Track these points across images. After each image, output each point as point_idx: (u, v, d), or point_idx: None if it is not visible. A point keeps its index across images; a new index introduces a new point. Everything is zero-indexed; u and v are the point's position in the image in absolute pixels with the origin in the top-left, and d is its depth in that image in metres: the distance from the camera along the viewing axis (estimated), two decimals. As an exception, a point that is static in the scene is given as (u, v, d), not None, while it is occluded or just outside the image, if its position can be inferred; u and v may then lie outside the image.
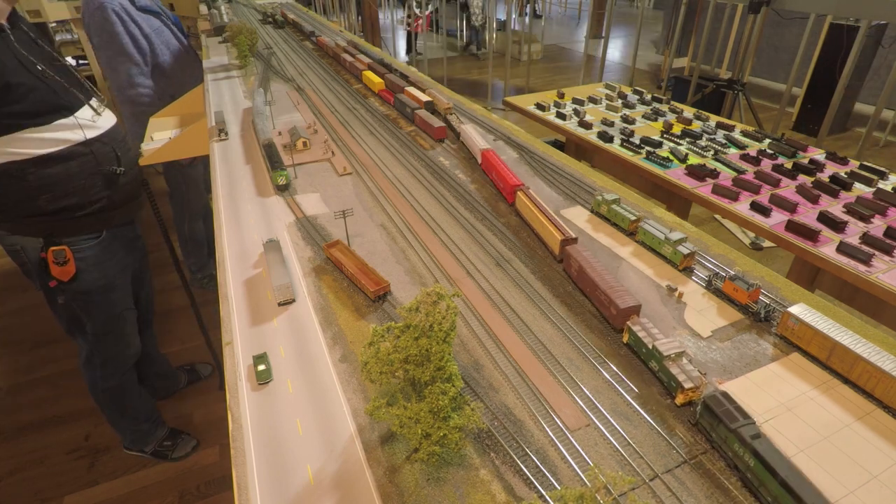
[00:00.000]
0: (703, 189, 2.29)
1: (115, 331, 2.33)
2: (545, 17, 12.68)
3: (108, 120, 2.12)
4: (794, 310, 1.01)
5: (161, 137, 2.48)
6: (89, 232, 2.10)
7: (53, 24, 5.53)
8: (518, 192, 1.49)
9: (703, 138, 2.78)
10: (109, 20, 2.78)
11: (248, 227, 1.47)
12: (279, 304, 1.16)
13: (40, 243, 1.99)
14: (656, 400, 0.91)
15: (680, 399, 0.89)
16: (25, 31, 1.90)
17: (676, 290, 1.18)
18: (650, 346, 0.94)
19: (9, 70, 1.73)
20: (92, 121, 2.02)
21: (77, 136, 1.95)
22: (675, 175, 2.42)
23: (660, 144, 2.69)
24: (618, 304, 1.03)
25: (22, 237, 2.01)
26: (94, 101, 2.07)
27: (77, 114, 1.95)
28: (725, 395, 0.82)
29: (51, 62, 1.90)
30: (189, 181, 3.56)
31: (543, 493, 0.76)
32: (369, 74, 2.72)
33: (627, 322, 1.01)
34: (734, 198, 2.21)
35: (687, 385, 0.87)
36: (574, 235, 1.27)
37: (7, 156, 1.81)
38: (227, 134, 2.09)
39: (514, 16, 9.51)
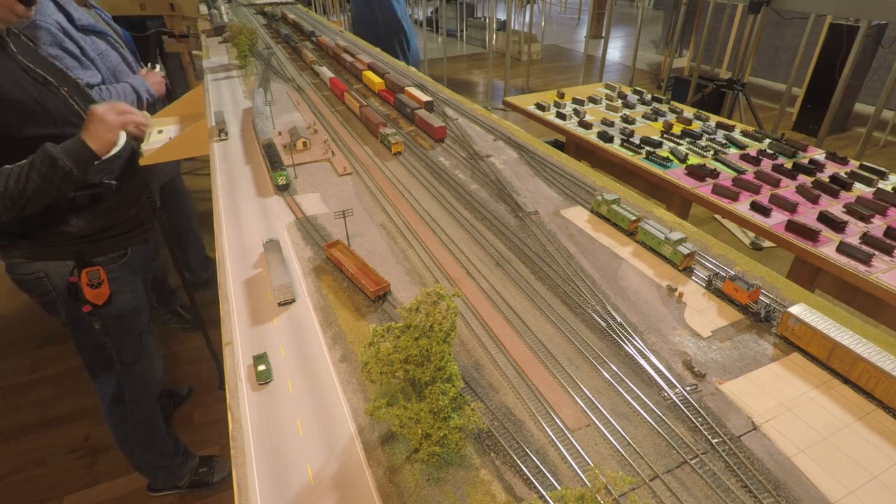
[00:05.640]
0: (703, 189, 2.29)
1: (145, 356, 2.22)
2: (545, 18, 12.66)
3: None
4: (795, 310, 1.02)
5: (160, 138, 2.48)
6: (115, 251, 2.02)
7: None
8: None
9: (703, 138, 2.78)
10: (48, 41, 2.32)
11: (248, 227, 1.47)
12: (279, 304, 1.16)
13: (69, 267, 1.87)
14: (656, 400, 0.91)
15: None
16: (26, 40, 1.78)
17: (676, 290, 1.18)
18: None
19: (19, 87, 1.60)
20: None
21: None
22: (675, 175, 2.42)
23: (660, 144, 2.69)
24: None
25: (47, 262, 1.86)
26: None
27: None
28: None
29: (61, 74, 1.80)
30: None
31: (543, 493, 0.76)
32: (369, 74, 2.72)
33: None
34: (734, 198, 2.21)
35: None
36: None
37: None
38: (227, 134, 2.09)
39: (514, 15, 9.41)
